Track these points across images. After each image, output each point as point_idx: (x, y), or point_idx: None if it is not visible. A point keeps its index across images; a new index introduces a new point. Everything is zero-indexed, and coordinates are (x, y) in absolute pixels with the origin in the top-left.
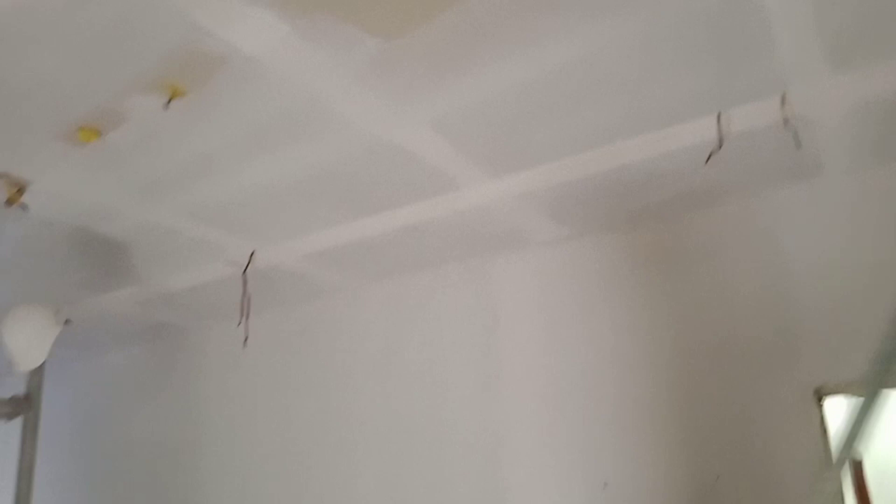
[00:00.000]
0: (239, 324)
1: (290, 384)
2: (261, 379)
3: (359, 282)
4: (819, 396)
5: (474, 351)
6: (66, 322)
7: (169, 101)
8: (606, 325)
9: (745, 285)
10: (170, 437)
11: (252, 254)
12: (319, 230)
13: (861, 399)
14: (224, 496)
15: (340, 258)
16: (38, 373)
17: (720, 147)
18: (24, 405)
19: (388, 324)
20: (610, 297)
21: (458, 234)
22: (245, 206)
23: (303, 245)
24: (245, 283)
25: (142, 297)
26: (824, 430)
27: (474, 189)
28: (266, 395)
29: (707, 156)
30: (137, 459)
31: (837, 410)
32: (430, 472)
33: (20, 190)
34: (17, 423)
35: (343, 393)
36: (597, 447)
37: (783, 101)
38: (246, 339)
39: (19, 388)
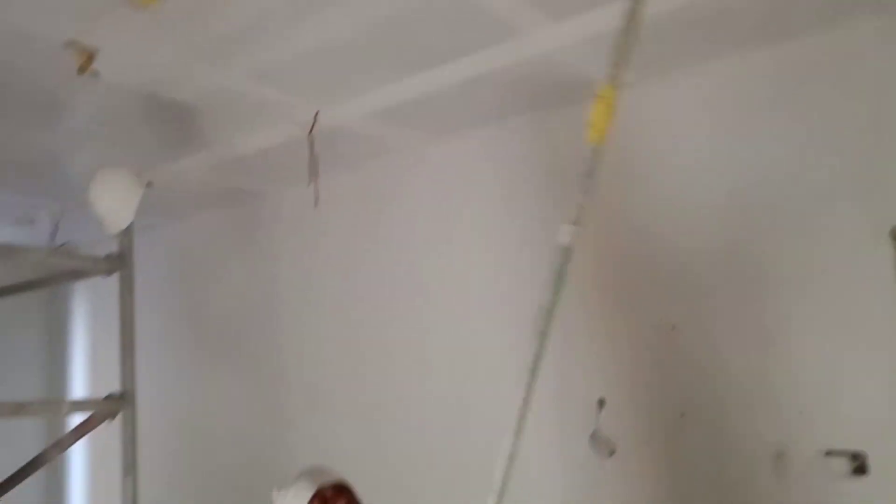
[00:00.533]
0: (308, 185)
1: (360, 241)
2: (332, 237)
3: (423, 139)
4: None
5: (542, 205)
6: (148, 184)
7: None
8: (691, 162)
9: (829, 121)
10: (251, 295)
11: (316, 114)
12: (380, 87)
13: None
14: (301, 349)
15: (403, 115)
16: (127, 232)
17: None
18: (119, 262)
19: (453, 180)
20: (691, 136)
21: (519, 85)
22: (306, 65)
23: (365, 103)
24: (311, 144)
25: (214, 161)
26: None
27: (536, 35)
28: (338, 252)
29: None
30: (221, 315)
31: None
32: (492, 328)
33: (90, 57)
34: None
35: (410, 248)
36: (665, 290)
37: None
38: (316, 200)
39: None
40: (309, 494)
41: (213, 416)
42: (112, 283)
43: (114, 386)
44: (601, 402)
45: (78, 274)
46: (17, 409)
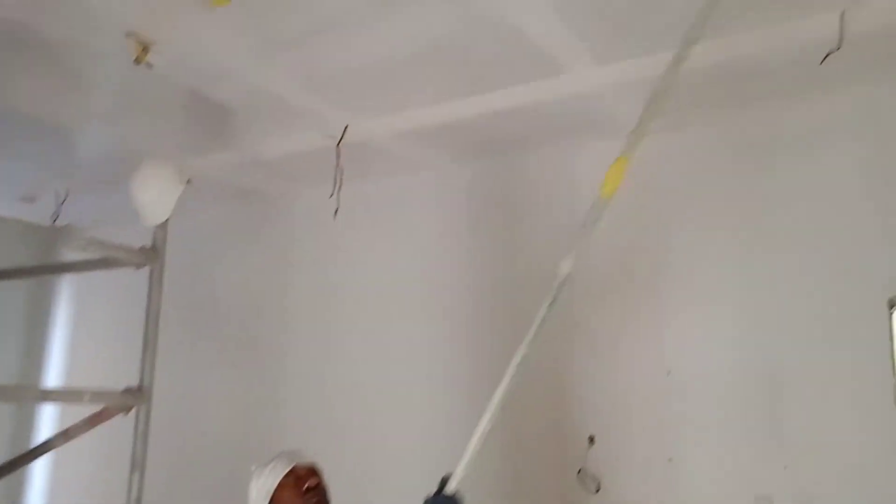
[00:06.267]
0: (331, 195)
1: (372, 253)
2: (343, 246)
3: (446, 159)
4: (891, 307)
5: (557, 232)
6: (188, 182)
7: None
8: (703, 208)
9: (842, 182)
10: (256, 293)
11: (346, 127)
12: (418, 108)
13: None
14: (308, 349)
15: (432, 136)
16: (163, 226)
17: (839, 47)
18: (152, 256)
19: (474, 201)
20: (702, 186)
21: (552, 119)
22: (353, 76)
23: (398, 121)
24: (339, 155)
25: (237, 160)
26: (892, 339)
27: (578, 74)
28: (347, 260)
29: (824, 55)
30: (223, 311)
31: None
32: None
33: (146, 49)
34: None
35: (426, 265)
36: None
37: None
38: (337, 211)
39: (132, 241)
40: (285, 470)
41: (210, 411)
42: (98, 277)
43: (93, 378)
44: (591, 439)
45: (106, 263)
46: (43, 395)
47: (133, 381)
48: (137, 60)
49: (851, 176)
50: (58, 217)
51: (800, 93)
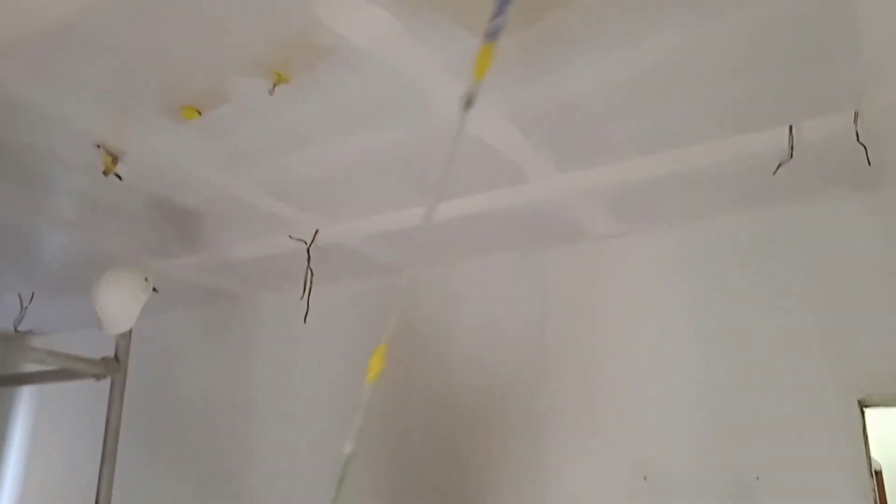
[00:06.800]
0: (301, 297)
1: (340, 357)
2: (311, 350)
3: (415, 262)
4: (862, 407)
5: (528, 329)
6: (154, 290)
7: (274, 86)
8: (668, 309)
9: (793, 287)
10: (222, 399)
11: (316, 232)
12: (386, 213)
13: None
14: (275, 460)
15: (401, 240)
16: (126, 336)
17: (791, 158)
18: (113, 367)
19: (440, 304)
20: (665, 289)
21: (518, 224)
22: (321, 185)
23: (367, 225)
24: (309, 259)
25: (205, 264)
26: (865, 438)
27: (542, 182)
28: (315, 365)
29: (776, 166)
30: (192, 420)
31: (878, 420)
32: (481, 445)
33: (115, 160)
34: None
35: (393, 369)
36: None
37: (856, 117)
38: (307, 314)
39: (97, 344)
40: None
41: None
42: (59, 386)
43: (50, 495)
44: None
45: (66, 374)
46: None
47: (90, 499)
48: (106, 171)
49: (809, 282)
50: (21, 322)
51: (756, 202)
